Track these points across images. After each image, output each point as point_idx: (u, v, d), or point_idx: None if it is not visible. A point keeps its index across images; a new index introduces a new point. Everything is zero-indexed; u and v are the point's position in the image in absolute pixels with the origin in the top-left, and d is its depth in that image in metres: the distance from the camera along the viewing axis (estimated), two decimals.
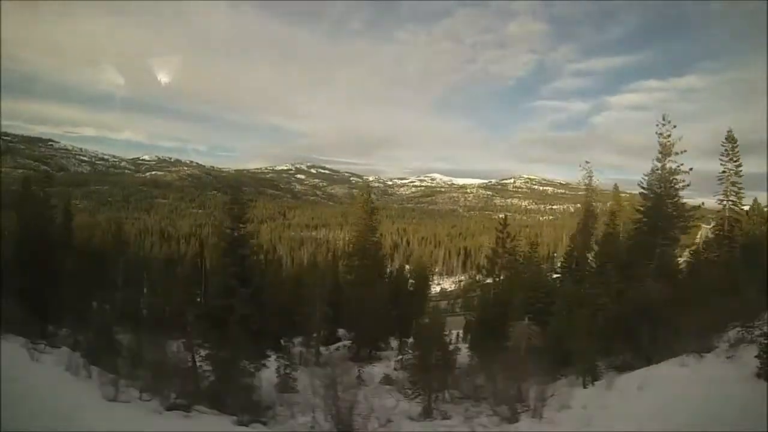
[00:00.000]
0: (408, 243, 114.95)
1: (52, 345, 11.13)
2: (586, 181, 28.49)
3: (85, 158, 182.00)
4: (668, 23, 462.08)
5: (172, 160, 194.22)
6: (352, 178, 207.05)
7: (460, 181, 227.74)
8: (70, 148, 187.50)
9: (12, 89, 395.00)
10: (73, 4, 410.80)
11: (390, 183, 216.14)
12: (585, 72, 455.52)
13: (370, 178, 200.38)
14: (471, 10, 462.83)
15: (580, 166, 29.05)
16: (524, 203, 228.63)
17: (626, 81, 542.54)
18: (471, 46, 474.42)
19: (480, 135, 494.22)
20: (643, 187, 21.02)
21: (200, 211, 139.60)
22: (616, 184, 31.89)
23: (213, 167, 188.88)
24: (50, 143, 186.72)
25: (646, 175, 20.86)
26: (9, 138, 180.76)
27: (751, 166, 23.76)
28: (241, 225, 15.72)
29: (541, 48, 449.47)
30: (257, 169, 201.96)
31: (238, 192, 19.42)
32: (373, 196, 33.09)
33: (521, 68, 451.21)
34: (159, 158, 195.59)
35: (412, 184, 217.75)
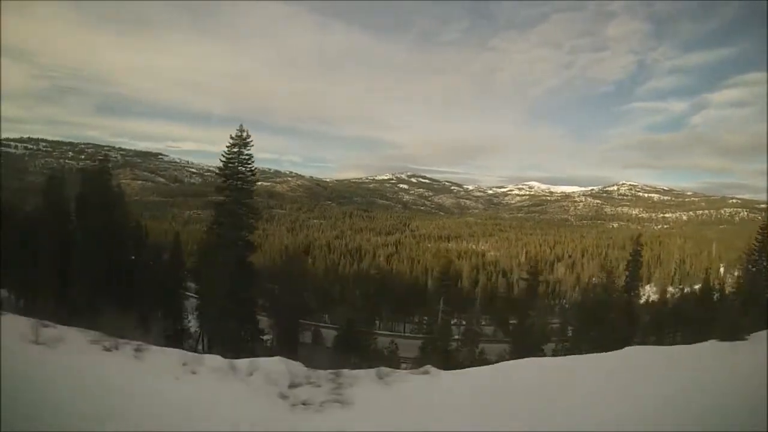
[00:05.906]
0: (570, 256, 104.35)
1: None
2: None
3: (194, 170, 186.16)
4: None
5: (272, 171, 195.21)
6: (452, 188, 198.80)
7: (559, 189, 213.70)
8: (179, 160, 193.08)
9: (116, 110, 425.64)
10: (168, 31, 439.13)
11: (491, 192, 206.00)
12: (683, 68, 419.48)
13: (470, 187, 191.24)
14: (568, 14, 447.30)
15: None
16: (634, 211, 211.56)
17: (726, 75, 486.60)
18: (568, 51, 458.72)
19: (575, 141, 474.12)
20: None
21: (323, 221, 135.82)
22: None
23: (312, 177, 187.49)
24: (160, 156, 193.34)
25: None
26: (124, 152, 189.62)
27: None
28: None
29: (641, 48, 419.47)
30: (357, 178, 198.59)
31: None
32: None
33: (620, 70, 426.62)
34: (259, 169, 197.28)
35: (512, 193, 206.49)
